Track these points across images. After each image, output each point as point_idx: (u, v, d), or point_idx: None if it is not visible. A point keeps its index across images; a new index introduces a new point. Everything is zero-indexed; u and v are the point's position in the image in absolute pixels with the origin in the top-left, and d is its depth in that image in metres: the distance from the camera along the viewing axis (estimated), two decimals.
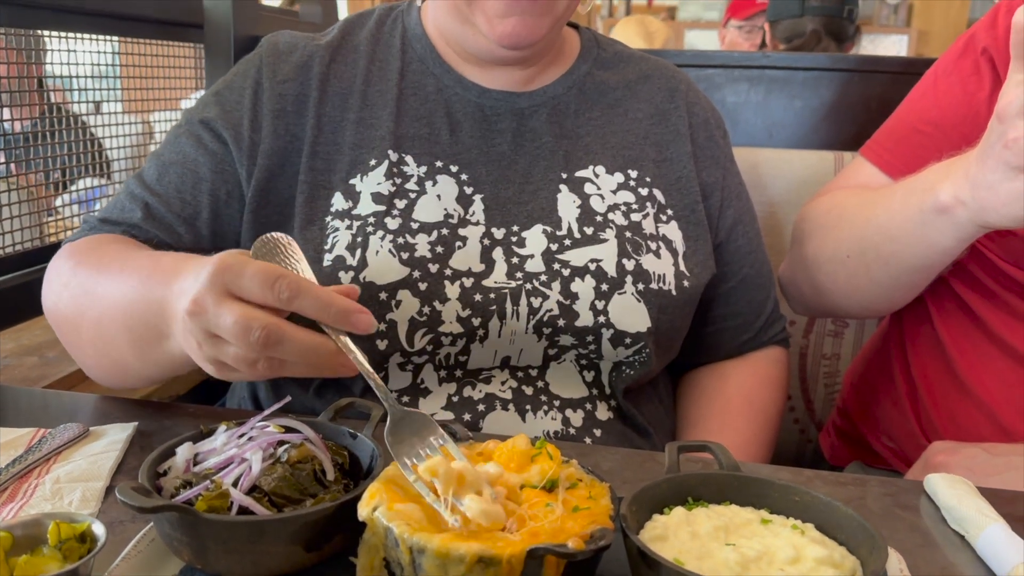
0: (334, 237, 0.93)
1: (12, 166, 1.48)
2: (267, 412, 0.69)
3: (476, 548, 0.52)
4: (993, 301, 1.02)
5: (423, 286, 0.91)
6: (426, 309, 0.91)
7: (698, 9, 6.38)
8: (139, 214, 0.97)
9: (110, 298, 0.84)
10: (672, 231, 1.01)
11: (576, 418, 0.95)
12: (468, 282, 0.92)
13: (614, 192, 0.99)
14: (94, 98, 1.65)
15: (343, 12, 2.89)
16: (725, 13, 3.48)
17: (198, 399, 1.51)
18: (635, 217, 0.98)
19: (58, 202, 1.79)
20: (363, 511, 0.56)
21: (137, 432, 0.86)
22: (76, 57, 1.48)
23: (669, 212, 1.02)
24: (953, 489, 0.77)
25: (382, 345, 0.90)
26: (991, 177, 0.79)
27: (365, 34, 1.06)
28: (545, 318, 0.92)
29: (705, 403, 1.09)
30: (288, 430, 0.66)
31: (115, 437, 0.84)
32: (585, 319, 0.93)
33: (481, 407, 0.93)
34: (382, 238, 0.92)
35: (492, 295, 0.92)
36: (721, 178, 1.08)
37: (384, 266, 0.91)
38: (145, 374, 0.89)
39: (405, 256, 0.91)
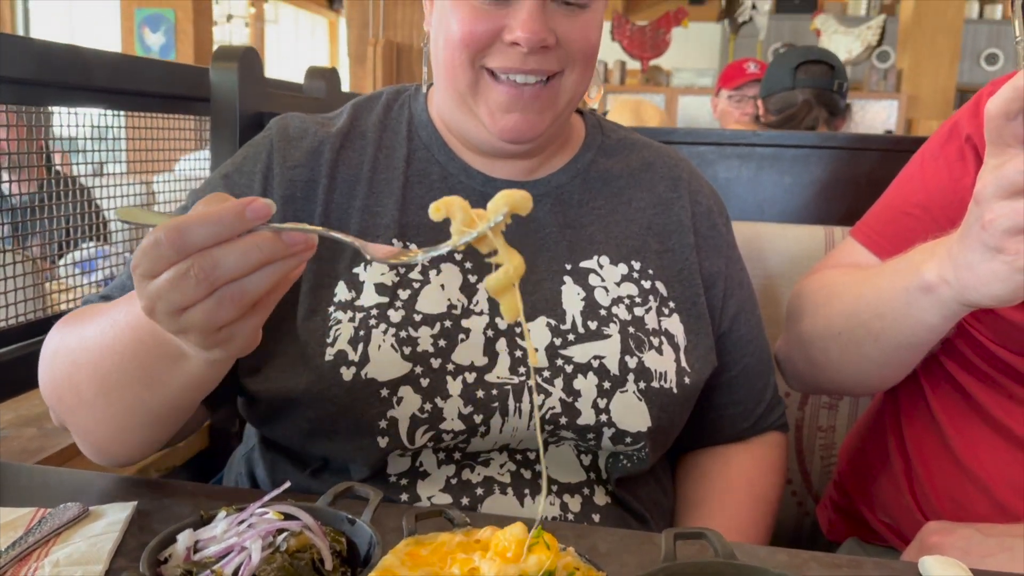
0: (336, 330, 0.93)
1: (13, 237, 1.50)
2: (266, 498, 0.70)
3: None
4: (986, 382, 1.04)
5: (425, 382, 0.91)
6: (427, 406, 0.90)
7: (691, 76, 6.53)
8: None
9: (100, 335, 0.83)
10: (674, 325, 1.01)
11: (574, 503, 0.95)
12: (470, 377, 0.92)
13: (618, 284, 1.00)
14: (96, 160, 1.68)
15: (345, 86, 2.96)
16: (717, 83, 3.57)
17: (195, 470, 1.51)
18: (638, 311, 0.99)
19: (60, 268, 1.82)
20: None
21: (136, 512, 0.86)
22: (79, 119, 1.51)
23: (671, 305, 1.03)
24: (948, 572, 0.77)
25: (383, 442, 0.90)
26: (971, 257, 0.82)
27: (373, 119, 1.07)
28: (547, 416, 0.92)
29: (706, 485, 1.09)
30: (287, 516, 0.67)
31: (114, 518, 0.84)
32: (587, 417, 0.93)
33: (480, 491, 0.93)
34: (384, 331, 0.92)
35: (495, 391, 0.92)
36: (724, 267, 1.09)
37: (386, 361, 0.90)
38: (160, 410, 0.85)
39: (407, 351, 0.91)
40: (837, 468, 1.32)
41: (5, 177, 1.75)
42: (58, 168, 2.11)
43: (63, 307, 1.58)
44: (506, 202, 0.67)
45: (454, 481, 0.93)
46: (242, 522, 0.66)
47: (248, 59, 1.53)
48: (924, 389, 1.11)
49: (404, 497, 0.93)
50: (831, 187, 1.51)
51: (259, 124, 1.59)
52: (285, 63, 12.13)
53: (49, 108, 1.46)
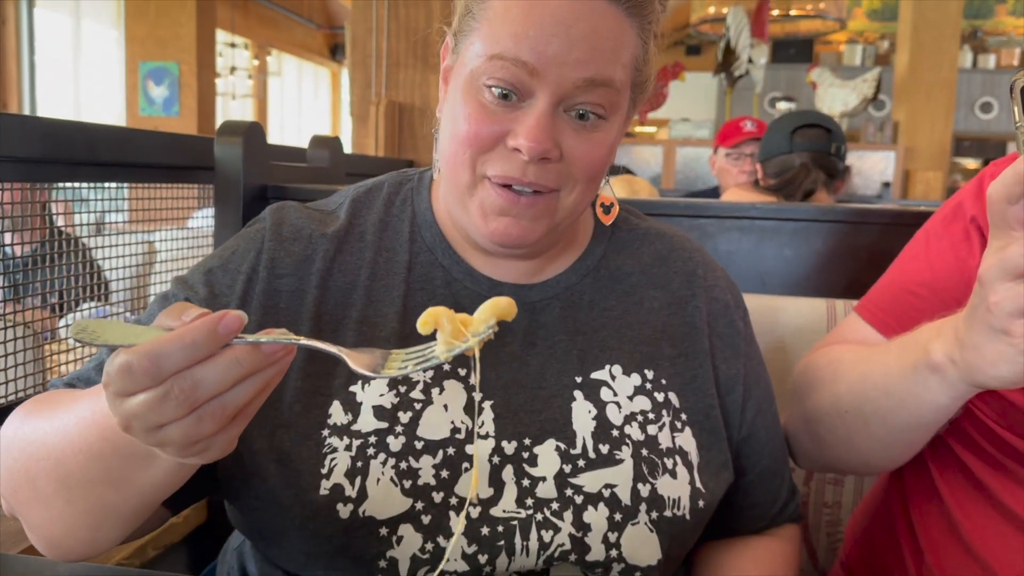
0: (332, 460, 0.87)
1: (12, 299, 1.50)
2: None
3: None
4: (992, 465, 1.03)
5: (426, 519, 0.86)
6: (429, 546, 0.85)
7: (688, 128, 6.59)
8: None
9: (64, 431, 0.77)
10: (687, 441, 0.97)
11: None
12: (475, 512, 0.87)
13: (630, 399, 0.95)
14: (97, 220, 1.69)
15: (348, 146, 3.01)
16: (714, 140, 3.60)
17: (192, 548, 1.49)
18: (651, 430, 0.94)
19: (60, 326, 1.82)
20: None
21: None
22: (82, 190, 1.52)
23: (684, 417, 0.98)
24: None
25: None
26: (977, 339, 0.82)
27: (373, 219, 1.01)
28: (556, 553, 0.88)
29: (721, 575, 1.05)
30: None
31: None
32: (596, 553, 0.88)
33: None
34: (384, 463, 0.86)
35: (500, 527, 0.87)
36: (742, 368, 1.04)
37: (385, 498, 0.85)
38: (123, 509, 0.79)
39: (408, 484, 0.86)
40: (843, 549, 1.30)
41: (7, 239, 1.75)
42: (60, 226, 2.13)
43: (63, 369, 1.57)
44: (493, 312, 0.66)
45: None
46: None
47: (252, 133, 1.55)
48: (931, 471, 1.10)
49: None
50: (832, 259, 1.51)
51: (263, 195, 1.60)
52: (288, 114, 12.27)
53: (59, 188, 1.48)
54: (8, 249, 1.81)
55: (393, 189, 1.05)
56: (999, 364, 0.81)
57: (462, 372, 0.94)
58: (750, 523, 1.09)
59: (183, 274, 1.00)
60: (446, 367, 0.93)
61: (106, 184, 1.56)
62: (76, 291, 1.68)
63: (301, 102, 12.82)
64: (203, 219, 1.91)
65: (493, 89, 0.88)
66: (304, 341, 0.66)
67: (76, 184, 1.49)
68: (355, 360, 0.68)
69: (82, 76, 8.12)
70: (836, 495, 1.41)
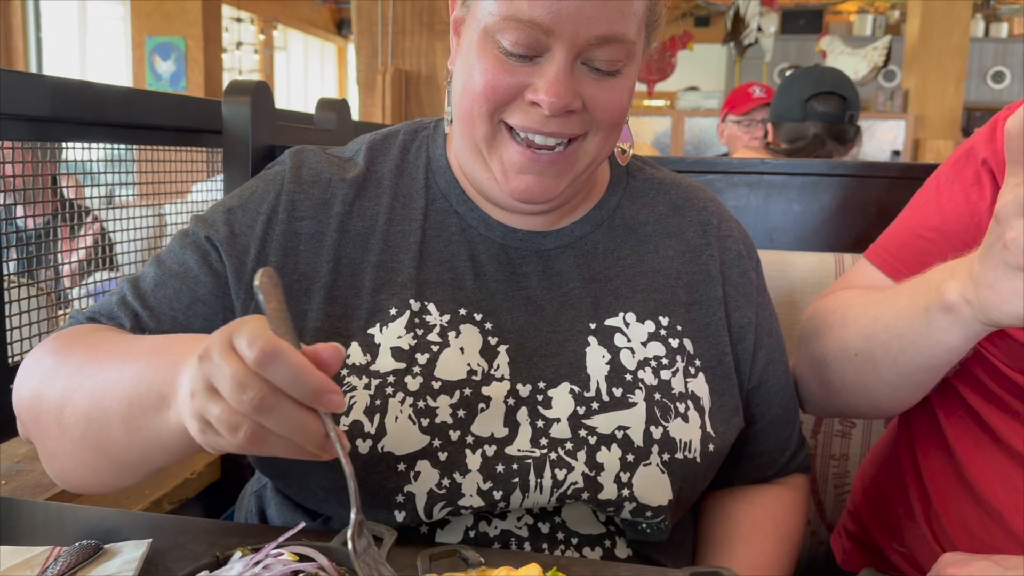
0: (351, 398, 0.88)
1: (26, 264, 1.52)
2: (281, 539, 0.70)
3: None
4: (1001, 408, 1.03)
5: (443, 456, 0.88)
6: (445, 482, 0.87)
7: (697, 98, 6.55)
8: (127, 325, 0.93)
9: (114, 376, 0.79)
10: (700, 386, 0.98)
11: (594, 556, 0.93)
12: (490, 450, 0.89)
13: (644, 344, 0.96)
14: (107, 192, 1.70)
15: (355, 114, 3.00)
16: (723, 108, 3.58)
17: (207, 502, 1.51)
18: (664, 375, 0.95)
19: (74, 293, 1.83)
20: None
21: (151, 549, 0.86)
22: (90, 153, 1.52)
23: (697, 363, 0.99)
24: None
25: (400, 517, 0.87)
26: (992, 276, 0.83)
27: (389, 165, 1.02)
28: (569, 491, 0.89)
29: (730, 525, 1.06)
30: (302, 558, 0.67)
31: (129, 556, 0.85)
32: (609, 492, 0.90)
33: (497, 544, 0.91)
34: (402, 401, 0.88)
35: (515, 465, 0.88)
36: (754, 317, 1.05)
37: (403, 434, 0.87)
38: (128, 457, 0.82)
39: (425, 422, 0.88)
40: (851, 497, 1.31)
41: (19, 211, 1.76)
42: (70, 198, 2.14)
43: None
44: None
45: (472, 533, 0.91)
46: (257, 563, 0.67)
47: (260, 93, 1.55)
48: (938, 417, 1.11)
49: None
50: (840, 214, 1.51)
51: (271, 156, 1.60)
52: (294, 89, 12.23)
53: (63, 144, 1.48)
54: (20, 222, 1.82)
55: (409, 136, 1.06)
56: (1014, 301, 0.81)
57: (477, 316, 0.95)
58: (759, 471, 1.10)
59: (201, 213, 1.00)
60: (461, 310, 0.95)
61: (115, 146, 1.56)
62: (89, 262, 1.69)
63: (307, 77, 12.78)
64: (206, 191, 1.92)
65: (509, 50, 0.87)
66: (353, 486, 0.67)
67: (85, 145, 1.49)
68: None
69: (88, 51, 8.11)
70: (843, 447, 1.42)
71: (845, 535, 1.29)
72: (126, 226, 1.68)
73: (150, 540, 0.87)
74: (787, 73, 8.12)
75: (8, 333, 1.30)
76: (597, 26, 0.85)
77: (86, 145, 1.50)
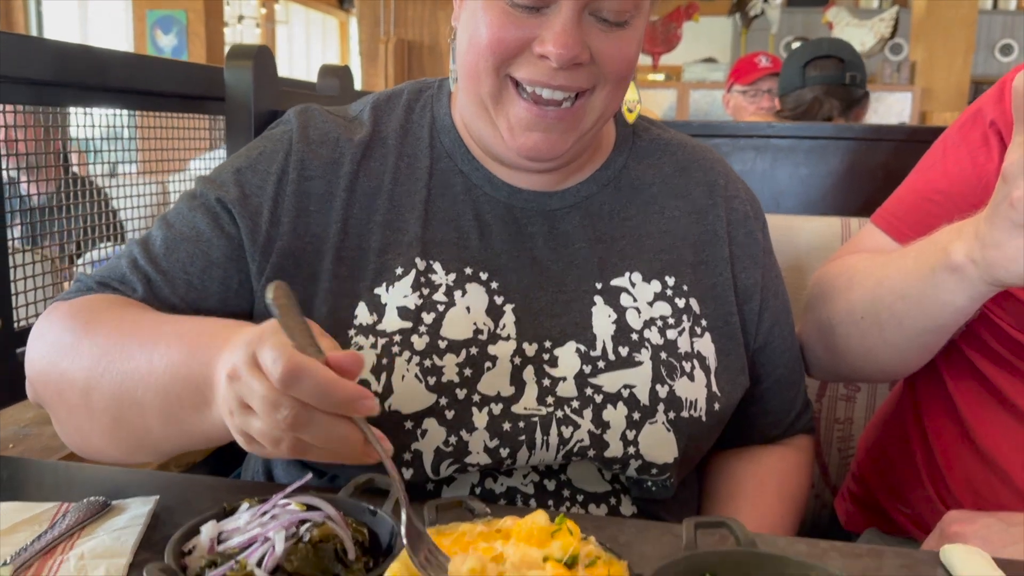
0: None
1: (32, 236, 1.52)
2: (289, 489, 0.70)
3: None
4: (1006, 369, 1.03)
5: (450, 414, 0.88)
6: (452, 439, 0.88)
7: (702, 71, 6.50)
8: (140, 289, 0.92)
9: (145, 366, 0.79)
10: (706, 346, 0.98)
11: (599, 514, 0.93)
12: (497, 408, 0.89)
13: (650, 304, 0.96)
14: (111, 160, 1.69)
15: (358, 80, 2.98)
16: (728, 78, 3.55)
17: (214, 466, 1.52)
18: (670, 334, 0.95)
19: (79, 262, 1.83)
20: None
21: (159, 506, 0.87)
22: (92, 120, 1.52)
23: (703, 323, 0.99)
24: (969, 560, 0.77)
25: (408, 474, 0.88)
26: (998, 235, 0.82)
27: (394, 124, 1.01)
28: (575, 448, 0.89)
29: (734, 483, 1.07)
30: (309, 508, 0.67)
31: (137, 511, 0.85)
32: (615, 449, 0.90)
33: (503, 501, 0.91)
34: (408, 360, 0.88)
35: (521, 423, 0.89)
36: (760, 278, 1.05)
37: (410, 393, 0.87)
38: (165, 446, 0.85)
39: (432, 381, 0.88)
40: (855, 459, 1.31)
41: (23, 178, 1.76)
42: (75, 169, 2.13)
43: None
44: None
45: (478, 490, 0.91)
46: (265, 513, 0.67)
47: (262, 58, 1.54)
48: (944, 378, 1.11)
49: None
50: (847, 178, 1.50)
51: (273, 122, 1.59)
52: (296, 64, 12.16)
53: (66, 109, 1.47)
54: (23, 187, 1.82)
55: (413, 96, 1.05)
56: (1019, 260, 0.81)
57: (483, 276, 0.94)
58: (764, 432, 1.10)
59: (207, 174, 0.99)
60: (467, 269, 0.94)
61: (117, 111, 1.55)
62: (93, 231, 1.69)
63: (309, 51, 12.70)
64: (211, 160, 1.91)
65: (515, 2, 0.86)
66: (399, 481, 0.67)
67: (87, 110, 1.48)
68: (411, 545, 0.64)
69: (90, 24, 8.06)
70: (848, 411, 1.42)
71: (849, 497, 1.29)
72: (129, 193, 1.68)
73: (157, 496, 0.88)
74: (793, 45, 8.08)
75: (14, 298, 1.30)
76: None
77: (88, 110, 1.49)
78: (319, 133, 0.98)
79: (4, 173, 1.26)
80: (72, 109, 1.45)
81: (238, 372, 0.66)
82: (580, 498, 0.93)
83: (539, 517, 0.64)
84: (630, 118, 1.06)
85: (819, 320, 1.13)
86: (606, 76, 0.90)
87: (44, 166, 1.51)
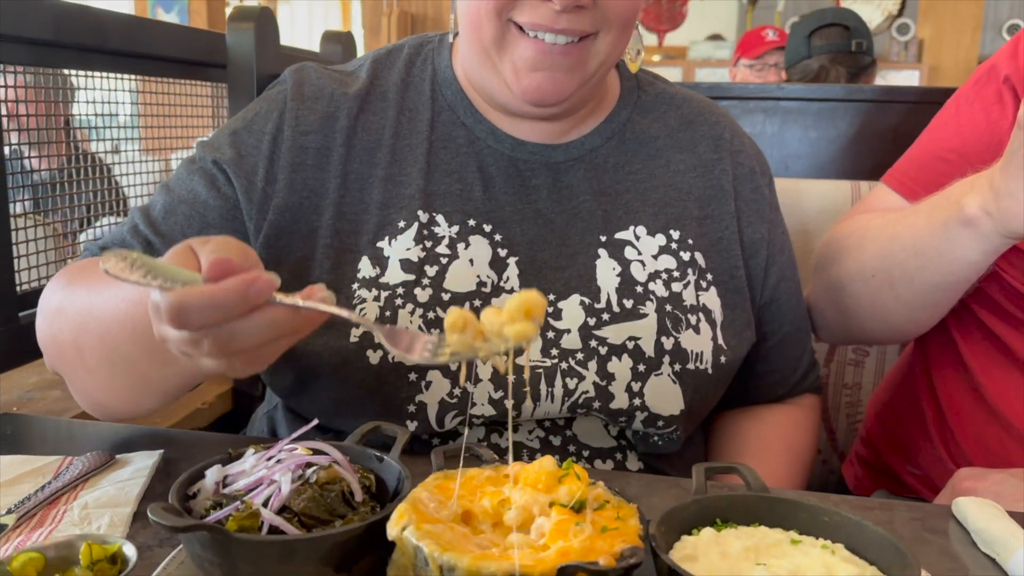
0: (361, 310, 0.88)
1: (35, 205, 1.51)
2: (294, 435, 0.69)
3: (507, 566, 0.52)
4: (1017, 327, 1.02)
5: (454, 365, 0.87)
6: (457, 391, 0.87)
7: (709, 48, 6.45)
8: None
9: (112, 307, 0.79)
10: (711, 299, 0.97)
11: (605, 469, 0.93)
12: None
13: (655, 257, 0.95)
14: (113, 137, 1.68)
15: (361, 51, 2.95)
16: (735, 52, 3.52)
17: (218, 432, 1.52)
18: (675, 287, 0.94)
19: (81, 238, 1.83)
20: (392, 531, 0.56)
21: (163, 460, 0.86)
22: (95, 97, 1.50)
23: (709, 277, 0.98)
24: (983, 512, 0.76)
25: (412, 426, 0.88)
26: (1013, 185, 0.81)
27: (394, 79, 1.00)
28: (580, 400, 0.89)
29: (741, 443, 1.07)
30: (316, 453, 0.67)
31: (141, 464, 0.85)
32: (620, 401, 0.89)
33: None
34: (412, 312, 0.88)
35: (526, 375, 0.88)
36: (766, 233, 1.03)
37: None
38: (164, 386, 0.83)
39: (436, 333, 0.86)
40: (864, 423, 1.30)
41: (31, 153, 1.75)
42: (83, 150, 2.12)
43: None
44: (521, 306, 0.62)
45: (483, 445, 0.90)
46: (271, 458, 0.66)
47: (264, 19, 1.52)
48: (954, 337, 1.10)
49: None
50: (857, 141, 1.48)
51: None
52: (298, 38, 12.08)
53: (70, 78, 1.46)
54: (27, 163, 1.81)
55: (413, 50, 1.03)
56: None
57: (487, 228, 0.93)
58: (770, 390, 1.09)
59: (206, 138, 0.99)
60: (471, 221, 0.93)
61: (117, 75, 1.53)
62: (99, 207, 1.68)
63: (311, 25, 12.62)
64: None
65: None
66: (341, 312, 0.63)
67: (88, 73, 1.47)
68: (392, 342, 0.64)
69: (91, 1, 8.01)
70: (856, 376, 1.41)
71: (857, 462, 1.29)
72: (133, 171, 1.67)
73: (161, 451, 0.88)
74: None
75: (16, 261, 1.29)
76: None
77: (89, 73, 1.47)
78: (313, 89, 0.97)
79: (6, 145, 1.24)
80: (75, 77, 1.43)
81: (160, 335, 0.65)
82: (586, 453, 0.93)
83: (546, 462, 0.63)
84: (633, 67, 1.04)
85: (829, 280, 1.12)
86: (609, 20, 0.89)
87: (49, 141, 1.50)
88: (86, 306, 0.82)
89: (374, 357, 0.87)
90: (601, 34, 0.89)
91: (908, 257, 0.99)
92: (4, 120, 1.24)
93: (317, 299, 0.62)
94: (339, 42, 1.87)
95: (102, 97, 1.52)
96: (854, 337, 1.21)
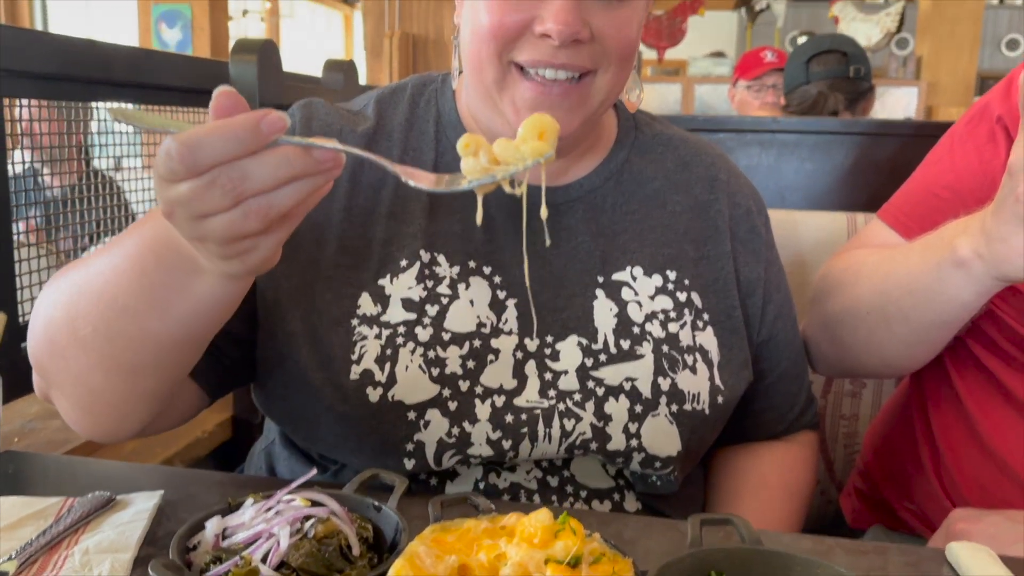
0: (362, 346, 0.89)
1: (41, 228, 1.52)
2: (293, 486, 0.70)
3: None
4: (1012, 365, 1.03)
5: (453, 405, 0.88)
6: (455, 430, 0.88)
7: (708, 65, 6.47)
8: None
9: (111, 264, 0.77)
10: (708, 339, 0.98)
11: (603, 509, 0.93)
12: (499, 401, 0.89)
13: (652, 298, 0.96)
14: (114, 155, 1.70)
15: (363, 75, 2.98)
16: (733, 73, 3.54)
17: (219, 461, 1.53)
18: (672, 328, 0.95)
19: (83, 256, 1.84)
20: None
21: (163, 500, 0.87)
22: (102, 114, 1.52)
23: (706, 317, 0.99)
24: (976, 558, 0.77)
25: (410, 464, 0.88)
26: (1004, 229, 0.82)
27: (399, 119, 1.01)
28: (577, 441, 0.90)
29: (739, 480, 1.07)
30: (314, 503, 0.67)
31: (142, 506, 0.85)
32: (617, 442, 0.90)
33: (506, 496, 0.92)
34: (412, 351, 0.89)
35: (524, 416, 0.89)
36: (763, 272, 1.04)
37: (414, 383, 0.88)
38: (165, 345, 0.78)
39: (436, 372, 0.88)
40: (861, 455, 1.31)
41: (45, 171, 1.76)
42: (96, 165, 2.14)
43: None
44: (535, 130, 0.67)
45: (481, 485, 0.91)
46: (269, 509, 0.67)
47: (267, 52, 1.54)
48: (950, 373, 1.10)
49: None
50: (853, 173, 1.49)
51: None
52: (300, 58, 12.15)
53: (88, 104, 1.47)
54: (41, 179, 1.82)
55: (417, 90, 1.04)
56: None
57: (487, 270, 0.94)
58: (768, 427, 1.10)
59: None
60: (471, 263, 0.94)
61: (121, 105, 1.55)
62: (111, 223, 1.69)
63: (314, 45, 12.68)
64: None
65: None
66: (357, 151, 0.64)
67: (96, 104, 1.48)
68: (410, 175, 0.67)
69: (95, 18, 8.06)
70: (853, 407, 1.42)
71: (855, 494, 1.29)
72: (137, 193, 1.69)
73: (162, 491, 0.88)
74: (799, 40, 8.04)
75: (19, 292, 1.30)
76: None
77: (96, 104, 1.49)
78: (322, 125, 0.98)
79: (11, 167, 1.26)
80: (82, 108, 1.44)
81: (167, 206, 0.64)
82: (583, 494, 0.93)
83: (542, 515, 0.64)
84: (632, 108, 1.05)
85: (825, 314, 1.13)
86: (608, 56, 0.89)
87: (63, 159, 1.51)
88: (80, 278, 0.80)
89: (374, 395, 0.88)
90: (600, 71, 0.90)
91: (902, 295, 1.00)
92: (10, 153, 1.26)
93: (322, 141, 0.62)
94: (341, 70, 1.89)
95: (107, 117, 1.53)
96: (850, 371, 1.22)
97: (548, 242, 0.90)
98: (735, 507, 1.03)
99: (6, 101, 1.22)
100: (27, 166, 1.40)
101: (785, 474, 1.08)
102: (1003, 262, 0.84)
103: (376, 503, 0.70)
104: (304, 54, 12.33)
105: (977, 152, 1.06)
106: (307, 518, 0.65)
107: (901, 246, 1.07)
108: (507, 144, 0.64)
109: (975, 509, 0.95)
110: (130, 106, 0.61)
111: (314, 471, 0.74)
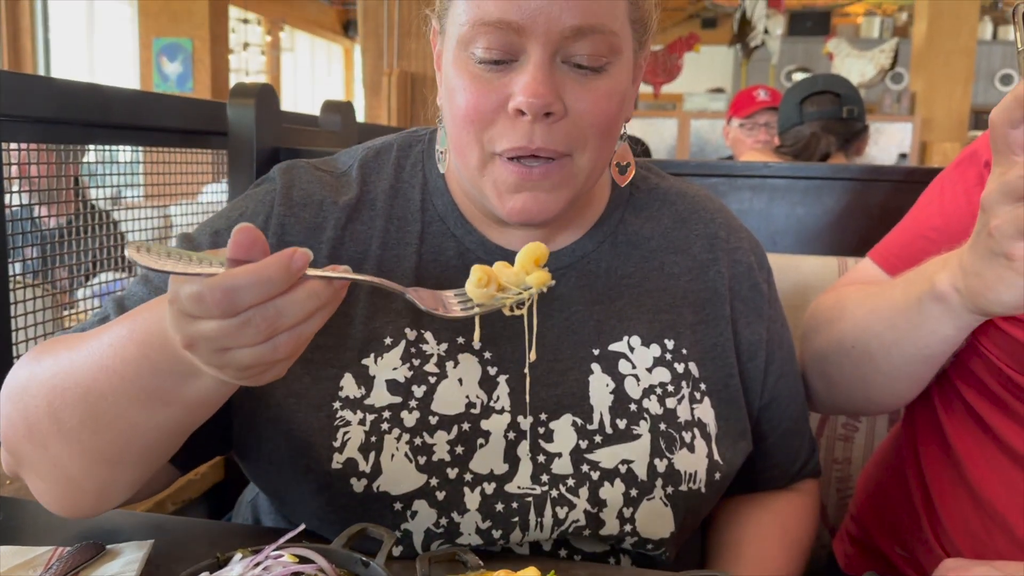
0: (345, 433, 0.86)
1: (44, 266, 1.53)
2: (281, 541, 0.70)
3: None
4: (1002, 409, 1.03)
5: (441, 495, 0.86)
6: (443, 521, 0.86)
7: (703, 100, 6.55)
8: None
9: (96, 357, 0.75)
10: (705, 412, 0.95)
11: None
12: (489, 488, 0.87)
13: (649, 371, 0.93)
14: (114, 194, 1.71)
15: (361, 113, 3.01)
16: (727, 111, 3.58)
17: (210, 503, 1.52)
18: (670, 403, 0.93)
19: (80, 295, 1.84)
20: None
21: (152, 550, 0.87)
22: (103, 155, 1.53)
23: (703, 387, 0.96)
24: None
25: (396, 552, 0.86)
26: (979, 264, 0.84)
27: (383, 185, 0.97)
28: (570, 529, 0.88)
29: (739, 529, 1.05)
30: (302, 560, 0.67)
31: (131, 556, 0.85)
32: (611, 527, 0.88)
33: (497, 560, 0.89)
34: (398, 438, 0.86)
35: (515, 504, 0.87)
36: (765, 332, 1.02)
37: (400, 473, 0.85)
38: (152, 437, 0.77)
39: (423, 460, 0.86)
40: (854, 500, 1.31)
41: (38, 210, 1.78)
42: (93, 201, 2.15)
43: None
44: (531, 259, 0.74)
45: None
46: (257, 564, 0.67)
47: (265, 96, 1.56)
48: (940, 419, 1.11)
49: None
50: (844, 218, 1.51)
51: (275, 159, 1.61)
52: (301, 91, 12.26)
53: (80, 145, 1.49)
54: (39, 222, 1.84)
55: (402, 152, 1.01)
56: (1000, 288, 0.82)
57: (476, 346, 0.91)
58: (770, 483, 1.09)
59: (189, 231, 0.98)
60: (459, 339, 0.92)
61: (121, 148, 1.57)
62: (101, 262, 1.70)
63: (314, 79, 12.81)
64: (213, 194, 1.93)
65: (483, 57, 0.83)
66: (369, 279, 0.71)
67: (97, 148, 1.50)
68: (421, 300, 0.73)
69: (96, 52, 8.14)
70: (846, 451, 1.42)
71: (847, 539, 1.29)
72: (133, 227, 1.70)
73: (152, 541, 0.88)
74: (794, 75, 8.13)
75: (14, 333, 1.31)
76: (571, 16, 0.80)
77: (97, 147, 1.51)
78: (302, 195, 0.94)
79: (8, 209, 1.27)
80: (79, 151, 1.46)
81: (190, 339, 0.65)
82: (578, 558, 0.92)
83: (530, 572, 0.64)
84: (621, 181, 1.00)
85: (814, 350, 1.15)
86: (583, 135, 0.86)
87: (59, 201, 1.52)
88: (63, 366, 0.78)
89: (358, 486, 0.85)
90: (576, 154, 0.86)
91: (885, 330, 1.01)
92: (5, 194, 1.27)
93: (341, 271, 0.67)
94: (338, 111, 1.91)
95: (105, 157, 1.55)
96: (839, 406, 1.23)
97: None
98: (734, 558, 1.02)
99: (3, 145, 1.24)
100: (20, 210, 1.41)
101: (785, 524, 1.07)
102: (978, 295, 0.85)
103: (364, 558, 0.71)
104: (304, 87, 12.45)
105: (966, 195, 1.08)
106: (295, 575, 0.65)
107: (884, 282, 1.08)
108: (506, 271, 0.72)
109: (965, 560, 0.95)
110: (149, 243, 0.62)
111: (303, 526, 0.75)
